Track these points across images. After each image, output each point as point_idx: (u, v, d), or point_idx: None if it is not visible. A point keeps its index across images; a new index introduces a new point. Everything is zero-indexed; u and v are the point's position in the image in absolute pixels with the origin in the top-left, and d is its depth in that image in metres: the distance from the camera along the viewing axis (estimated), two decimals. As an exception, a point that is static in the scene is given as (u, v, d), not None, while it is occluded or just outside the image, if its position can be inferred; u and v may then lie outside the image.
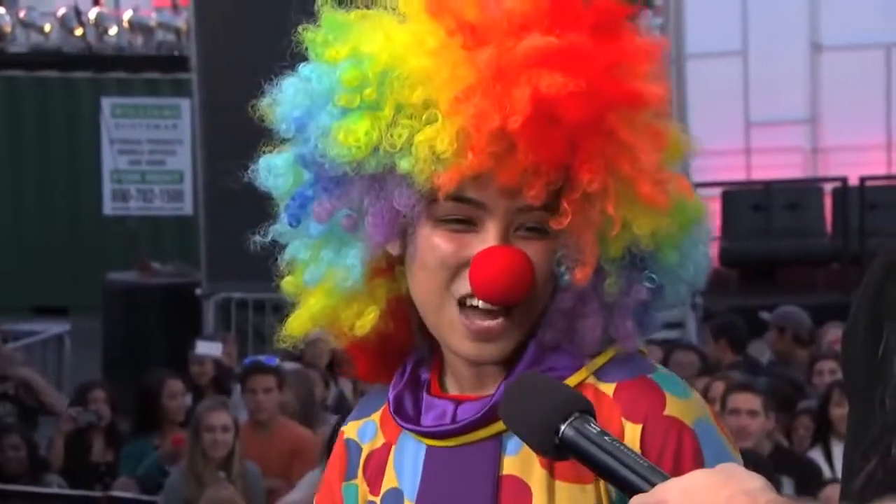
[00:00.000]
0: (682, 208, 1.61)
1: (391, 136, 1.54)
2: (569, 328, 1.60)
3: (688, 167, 1.66)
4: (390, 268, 1.67)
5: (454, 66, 1.54)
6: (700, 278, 1.67)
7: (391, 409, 1.68)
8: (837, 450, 6.29)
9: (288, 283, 1.70)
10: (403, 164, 1.54)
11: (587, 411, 1.41)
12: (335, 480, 1.77)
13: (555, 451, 1.41)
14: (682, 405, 1.58)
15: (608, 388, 1.59)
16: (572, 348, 1.61)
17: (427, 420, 1.65)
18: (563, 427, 1.39)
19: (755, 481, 1.29)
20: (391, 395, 1.69)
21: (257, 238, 1.68)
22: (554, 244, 1.57)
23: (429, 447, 1.65)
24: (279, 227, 1.67)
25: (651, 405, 1.56)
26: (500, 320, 1.57)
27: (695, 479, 1.31)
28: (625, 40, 1.59)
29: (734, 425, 5.94)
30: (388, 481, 1.70)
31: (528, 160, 1.52)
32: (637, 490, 1.34)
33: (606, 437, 1.39)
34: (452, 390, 1.67)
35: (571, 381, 1.59)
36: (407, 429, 1.67)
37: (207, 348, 8.67)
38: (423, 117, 1.54)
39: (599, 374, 1.61)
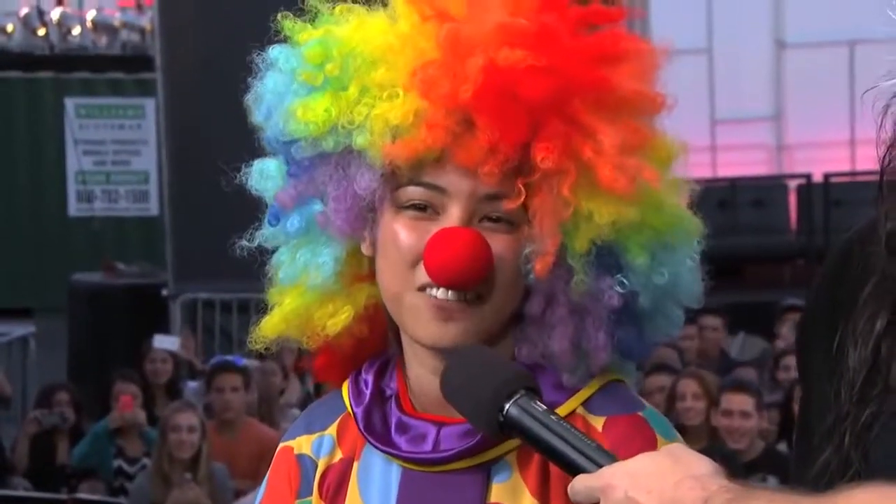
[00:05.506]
0: (658, 209, 1.57)
1: (351, 113, 1.53)
2: (542, 342, 1.56)
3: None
4: (372, 274, 1.64)
5: (418, 45, 1.53)
6: (687, 294, 1.64)
7: (361, 427, 1.62)
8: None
9: (272, 293, 1.67)
10: (359, 140, 1.52)
11: (533, 389, 1.39)
12: (287, 497, 1.69)
13: (499, 430, 1.39)
14: None
15: (597, 422, 1.56)
16: (552, 371, 1.56)
17: (402, 442, 1.59)
18: (507, 405, 1.37)
19: (704, 465, 1.28)
20: (358, 411, 1.63)
21: (243, 243, 1.66)
22: (520, 238, 1.53)
23: (406, 470, 1.60)
24: (263, 231, 1.66)
25: (643, 446, 1.50)
26: (460, 301, 1.52)
27: (643, 463, 1.29)
28: (607, 36, 1.57)
29: (726, 426, 5.88)
30: (352, 501, 1.64)
31: (486, 138, 1.49)
32: (581, 471, 1.32)
33: (553, 417, 1.37)
34: (421, 409, 1.62)
35: (560, 411, 1.52)
36: (387, 453, 1.60)
37: (164, 342, 8.59)
38: (385, 95, 1.52)
39: (588, 405, 1.57)
